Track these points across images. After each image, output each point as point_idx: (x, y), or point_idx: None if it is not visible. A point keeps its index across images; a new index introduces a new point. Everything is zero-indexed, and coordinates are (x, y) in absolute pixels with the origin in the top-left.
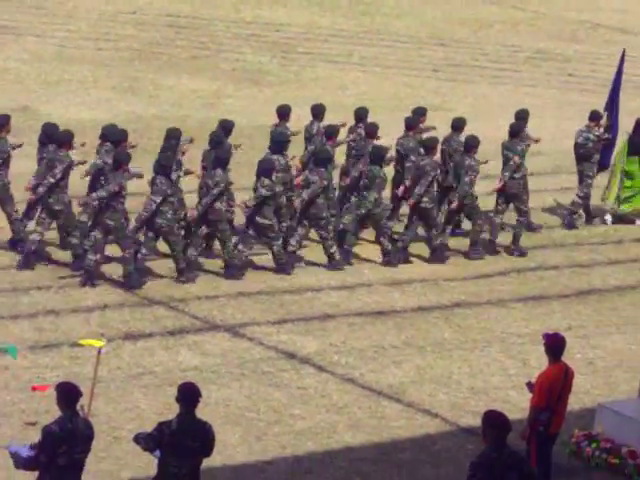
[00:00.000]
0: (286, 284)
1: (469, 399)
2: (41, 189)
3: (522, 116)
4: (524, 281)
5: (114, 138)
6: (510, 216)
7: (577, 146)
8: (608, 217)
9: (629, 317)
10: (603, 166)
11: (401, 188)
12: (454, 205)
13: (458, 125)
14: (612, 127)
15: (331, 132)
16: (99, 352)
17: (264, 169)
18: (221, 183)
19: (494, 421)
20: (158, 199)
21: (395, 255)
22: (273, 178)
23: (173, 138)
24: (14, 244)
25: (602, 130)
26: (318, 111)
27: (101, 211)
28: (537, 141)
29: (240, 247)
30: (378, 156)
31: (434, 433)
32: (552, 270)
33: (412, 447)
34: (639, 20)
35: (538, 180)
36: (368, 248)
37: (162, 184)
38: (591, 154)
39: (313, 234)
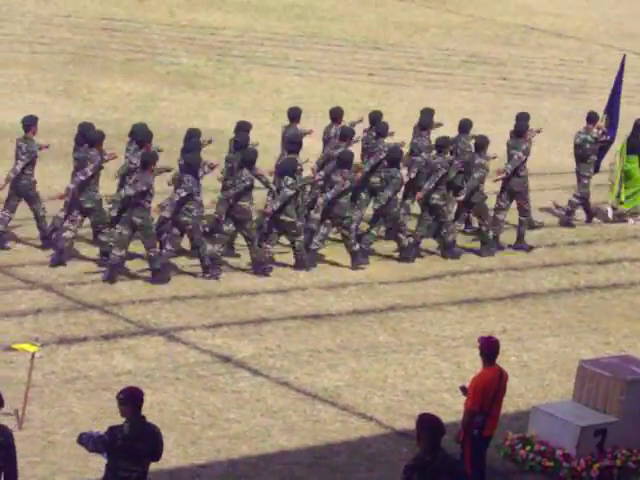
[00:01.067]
0: (221, 288)
1: (404, 402)
2: (72, 186)
3: (524, 117)
4: (459, 284)
5: (140, 138)
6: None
7: (576, 147)
8: (609, 211)
9: (563, 320)
10: (594, 170)
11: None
12: (460, 198)
13: (465, 126)
14: (611, 129)
15: (346, 133)
16: (33, 356)
17: (286, 169)
18: (247, 182)
19: (428, 424)
20: (183, 193)
21: (410, 251)
22: (296, 177)
23: (195, 137)
24: (47, 243)
25: (600, 132)
26: (337, 114)
27: (129, 208)
28: (539, 131)
29: (265, 245)
30: (395, 157)
31: (369, 436)
32: (487, 273)
33: (347, 450)
34: (573, 24)
35: None
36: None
37: (189, 181)
38: (588, 155)
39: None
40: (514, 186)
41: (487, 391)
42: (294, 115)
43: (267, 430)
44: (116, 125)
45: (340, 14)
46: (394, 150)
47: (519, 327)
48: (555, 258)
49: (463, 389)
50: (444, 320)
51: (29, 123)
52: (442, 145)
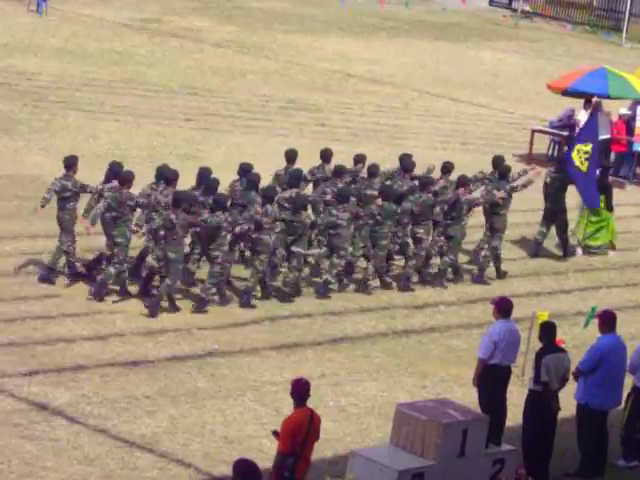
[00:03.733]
0: (38, 334)
1: (222, 448)
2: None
3: (503, 159)
4: (278, 329)
5: (168, 176)
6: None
7: (545, 186)
8: (579, 250)
9: (380, 364)
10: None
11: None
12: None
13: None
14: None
15: (340, 172)
16: None
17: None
18: (272, 218)
19: (244, 469)
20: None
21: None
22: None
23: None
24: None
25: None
26: (328, 154)
27: (161, 243)
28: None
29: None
30: (391, 194)
31: None
32: (305, 318)
33: None
34: (389, 70)
35: None
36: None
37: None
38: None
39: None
40: (495, 223)
41: (297, 433)
42: (290, 157)
43: (84, 478)
44: None
45: (157, 60)
46: (388, 188)
47: (337, 371)
48: (372, 302)
49: (275, 433)
50: (263, 365)
51: (71, 163)
52: (426, 183)
